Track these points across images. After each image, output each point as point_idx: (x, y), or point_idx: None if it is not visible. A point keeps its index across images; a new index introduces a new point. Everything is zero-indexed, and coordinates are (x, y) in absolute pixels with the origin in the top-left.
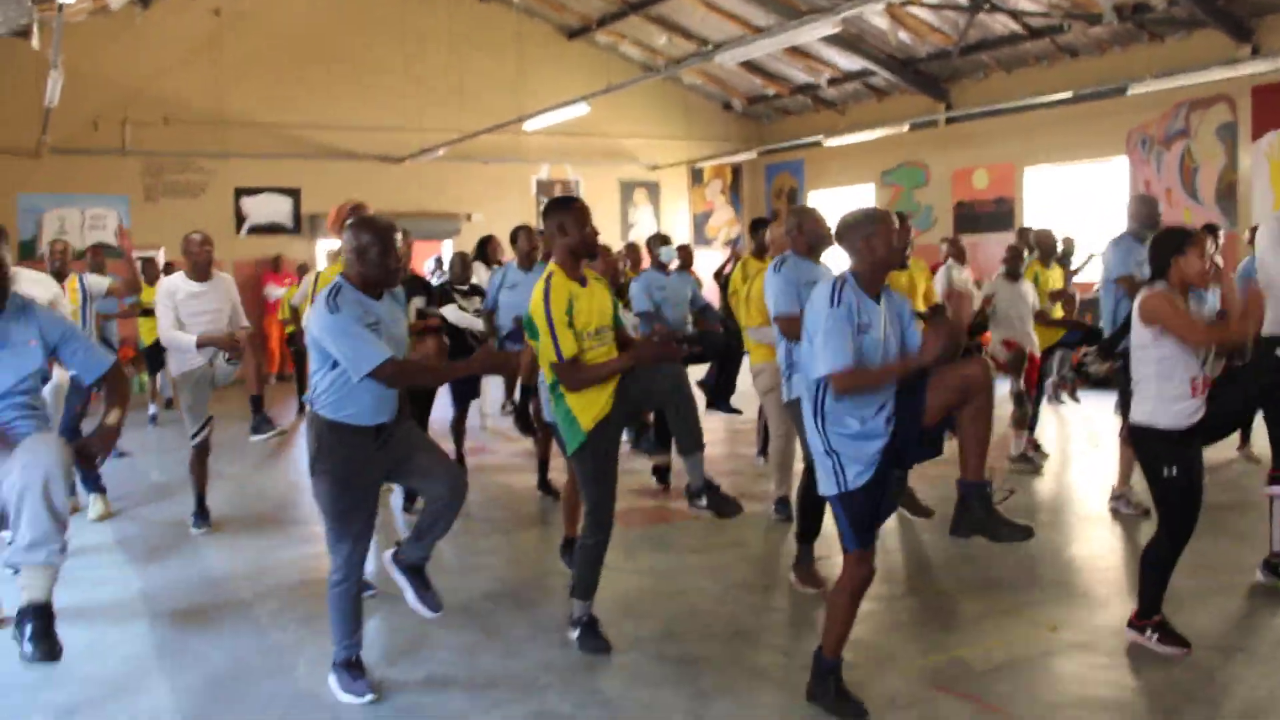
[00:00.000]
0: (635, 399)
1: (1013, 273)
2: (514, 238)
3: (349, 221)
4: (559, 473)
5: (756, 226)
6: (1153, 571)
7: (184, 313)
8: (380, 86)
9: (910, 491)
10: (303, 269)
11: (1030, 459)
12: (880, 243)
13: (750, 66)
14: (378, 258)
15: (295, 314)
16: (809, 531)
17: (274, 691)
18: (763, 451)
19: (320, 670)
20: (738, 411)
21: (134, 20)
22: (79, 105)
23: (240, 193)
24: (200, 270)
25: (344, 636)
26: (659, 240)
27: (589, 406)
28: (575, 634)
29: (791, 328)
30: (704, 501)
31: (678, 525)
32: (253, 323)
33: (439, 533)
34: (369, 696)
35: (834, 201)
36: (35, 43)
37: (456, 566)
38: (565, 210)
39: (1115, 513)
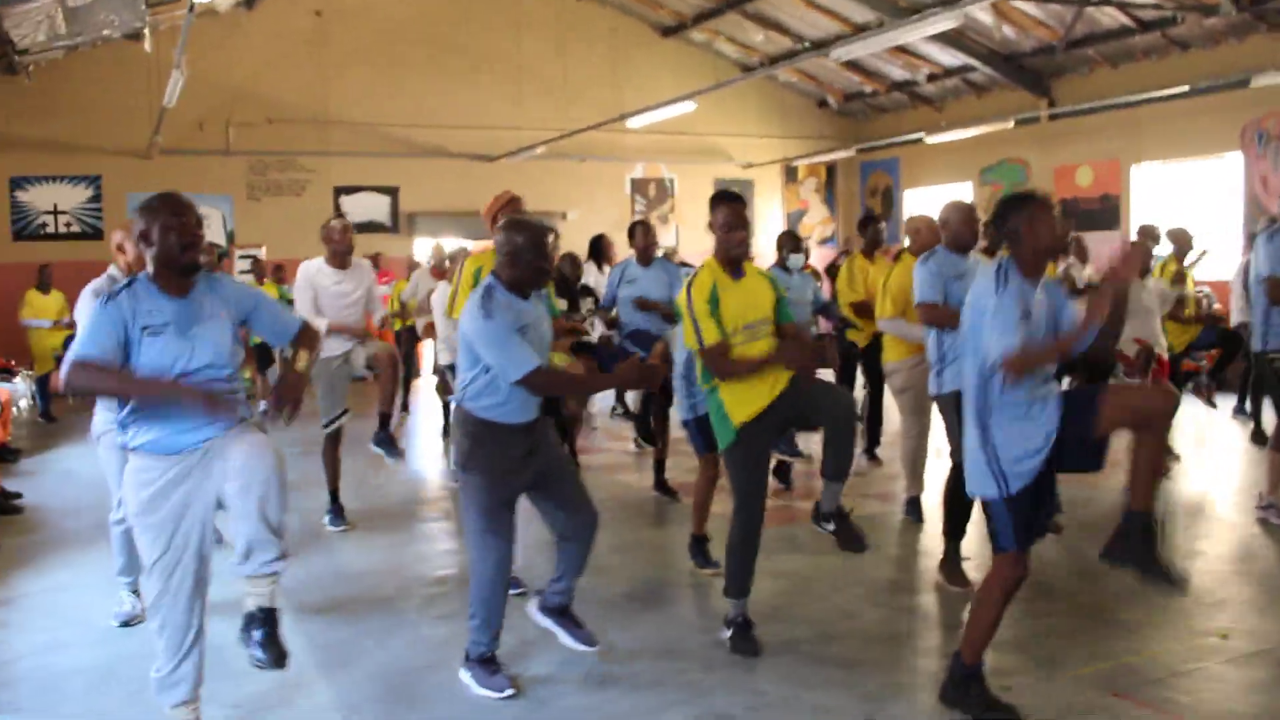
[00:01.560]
0: (800, 411)
1: (1141, 270)
2: (631, 233)
3: (501, 222)
4: (676, 473)
5: (865, 223)
6: None
7: (323, 299)
8: (478, 85)
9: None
10: (412, 267)
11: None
12: (1043, 227)
13: (847, 63)
14: (530, 260)
15: (404, 308)
16: (956, 530)
17: (436, 685)
18: (868, 449)
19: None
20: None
21: (239, 22)
22: (186, 106)
23: (339, 191)
24: (340, 257)
25: (483, 632)
26: (790, 240)
27: (744, 403)
28: (728, 634)
29: (932, 314)
30: (831, 526)
31: (805, 526)
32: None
33: (577, 570)
34: (508, 691)
35: (930, 200)
36: (148, 46)
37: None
38: (717, 208)
39: (1264, 522)
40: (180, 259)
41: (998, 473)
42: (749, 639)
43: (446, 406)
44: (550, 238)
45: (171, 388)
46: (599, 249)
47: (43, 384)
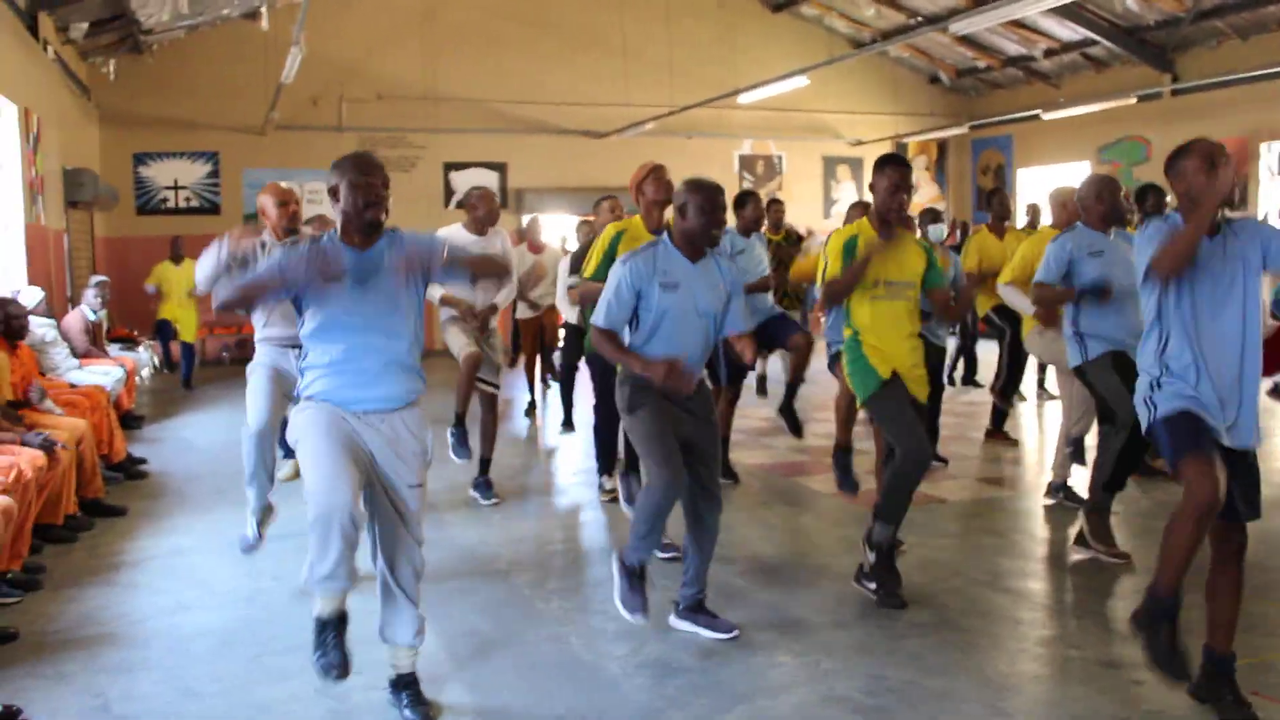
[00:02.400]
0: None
1: None
2: (740, 203)
3: (683, 182)
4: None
5: (991, 197)
6: None
7: None
8: (589, 60)
9: None
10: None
11: None
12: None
13: (961, 39)
14: (702, 216)
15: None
16: (1109, 489)
17: (550, 661)
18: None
19: (593, 643)
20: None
21: (351, 0)
22: (299, 83)
23: (449, 167)
24: (479, 224)
25: (640, 543)
26: (930, 214)
27: (886, 361)
28: (870, 558)
29: (1040, 292)
30: (873, 556)
31: (922, 508)
32: None
33: (704, 563)
34: (640, 619)
35: (1046, 179)
36: (265, 24)
37: None
38: (879, 171)
39: None
40: (363, 215)
41: (1152, 405)
42: (892, 568)
43: (565, 372)
44: (721, 197)
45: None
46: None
47: (188, 353)
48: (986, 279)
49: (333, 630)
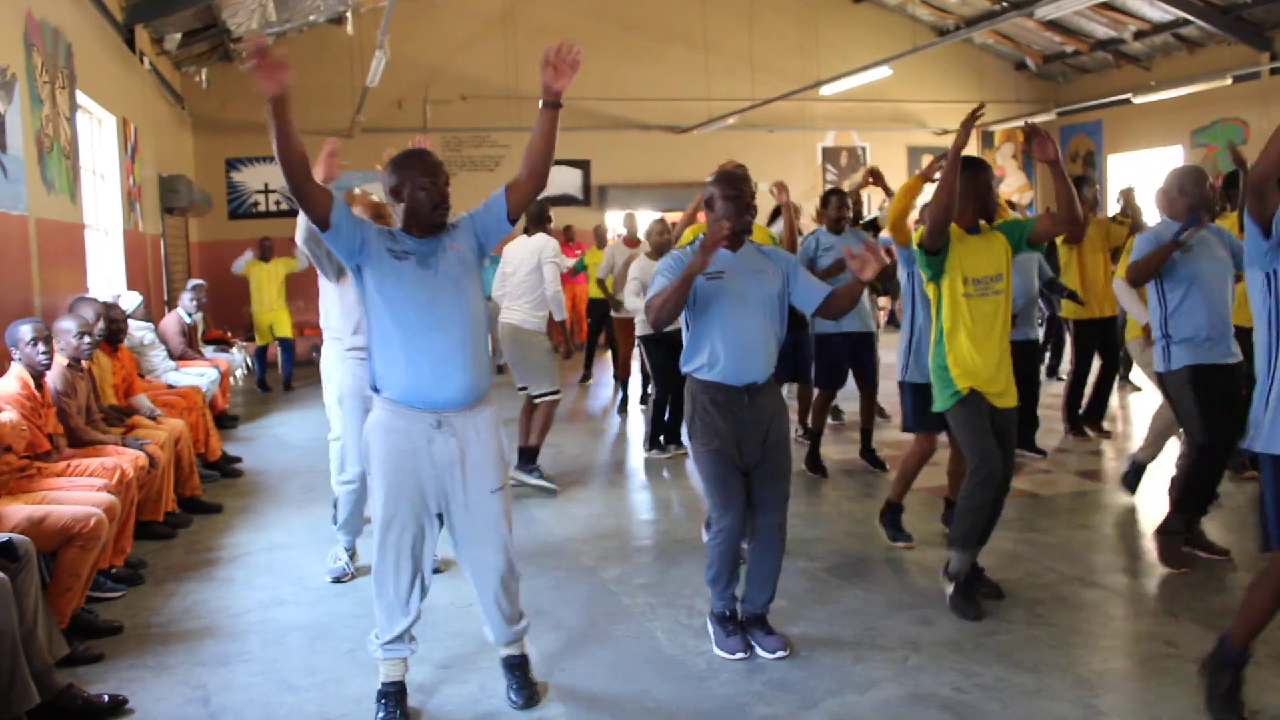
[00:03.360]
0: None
1: None
2: (825, 201)
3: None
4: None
5: (1079, 185)
6: None
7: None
8: (670, 55)
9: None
10: (598, 232)
11: None
12: None
13: (1048, 23)
14: (723, 206)
15: (600, 284)
16: (1188, 509)
17: (637, 656)
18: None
19: (678, 637)
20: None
21: (434, 3)
22: (384, 86)
23: None
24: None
25: (716, 589)
26: (1006, 206)
27: (968, 373)
28: (949, 589)
29: (1133, 270)
30: (950, 588)
31: (1011, 500)
32: None
33: (762, 584)
34: (740, 655)
35: (1137, 165)
36: (350, 29)
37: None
38: (964, 170)
39: None
40: (430, 216)
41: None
42: (972, 599)
43: (646, 375)
44: (747, 183)
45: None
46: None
47: (261, 355)
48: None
49: (393, 701)
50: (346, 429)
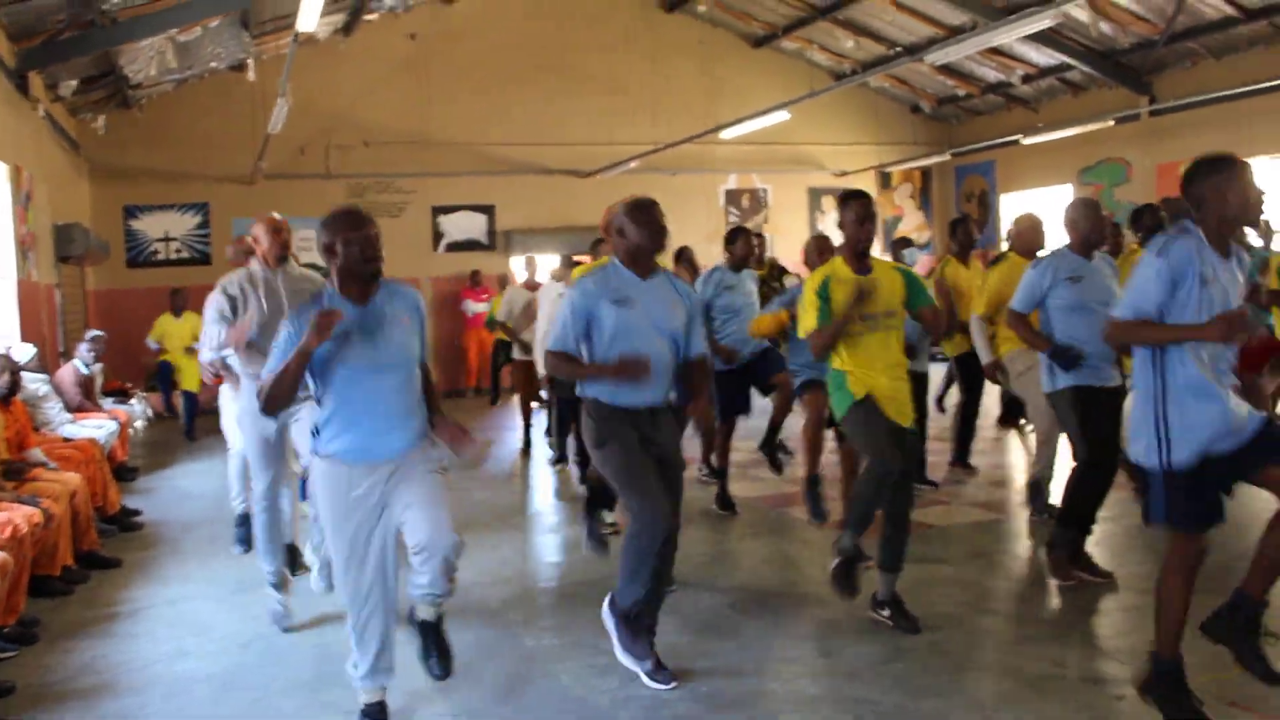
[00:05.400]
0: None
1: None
2: (731, 238)
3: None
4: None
5: (956, 226)
6: None
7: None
8: (571, 102)
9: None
10: (503, 282)
11: None
12: (1234, 193)
13: (940, 67)
14: (635, 232)
15: (501, 324)
16: (1072, 523)
17: (546, 695)
18: (958, 459)
19: (582, 677)
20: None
21: (337, 49)
22: (287, 132)
23: (437, 211)
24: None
25: (628, 585)
26: (902, 244)
27: (864, 386)
28: (834, 563)
29: (1014, 322)
30: (886, 612)
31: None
32: (450, 336)
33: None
34: (646, 667)
35: (1028, 203)
36: (251, 75)
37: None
38: (844, 207)
39: None
40: (364, 269)
41: (1163, 439)
42: (851, 575)
43: (548, 405)
44: (656, 210)
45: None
46: (682, 260)
47: (190, 402)
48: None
49: None
50: (248, 445)
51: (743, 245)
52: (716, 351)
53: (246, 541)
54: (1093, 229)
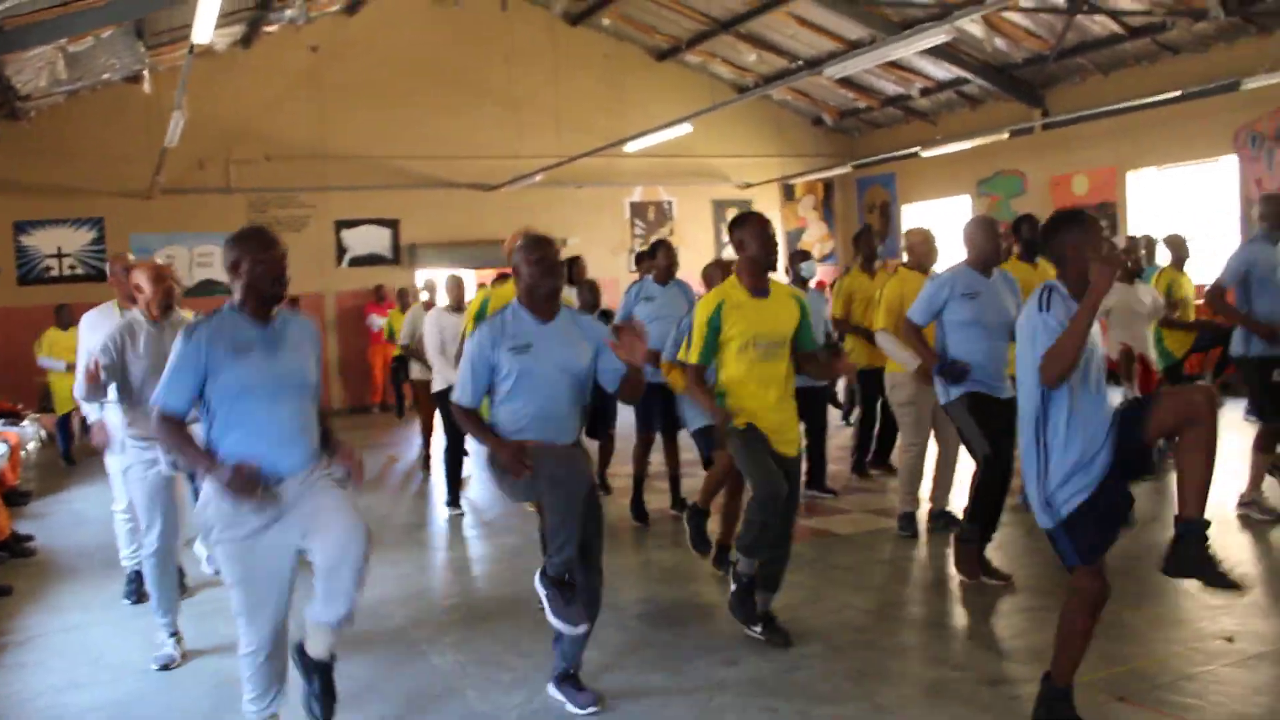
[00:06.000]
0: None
1: (1128, 276)
2: (652, 252)
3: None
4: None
5: (859, 237)
6: None
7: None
8: (475, 115)
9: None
10: (402, 295)
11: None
12: (1091, 250)
13: (841, 80)
14: (528, 273)
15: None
16: (980, 520)
17: (450, 713)
18: (874, 461)
19: (488, 694)
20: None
21: (236, 61)
22: (186, 146)
23: (340, 225)
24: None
25: (561, 650)
26: (800, 256)
27: (748, 415)
28: (732, 589)
29: (908, 334)
30: (759, 628)
31: (808, 543)
32: (355, 352)
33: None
34: (592, 709)
35: (928, 214)
36: (147, 87)
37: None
38: (743, 226)
39: (1245, 519)
40: (270, 289)
41: (1046, 502)
42: (749, 600)
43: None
44: (549, 248)
45: (211, 466)
46: (572, 270)
47: (63, 425)
48: (857, 329)
49: None
50: (136, 499)
51: (663, 256)
52: None
53: (137, 595)
54: (990, 247)
